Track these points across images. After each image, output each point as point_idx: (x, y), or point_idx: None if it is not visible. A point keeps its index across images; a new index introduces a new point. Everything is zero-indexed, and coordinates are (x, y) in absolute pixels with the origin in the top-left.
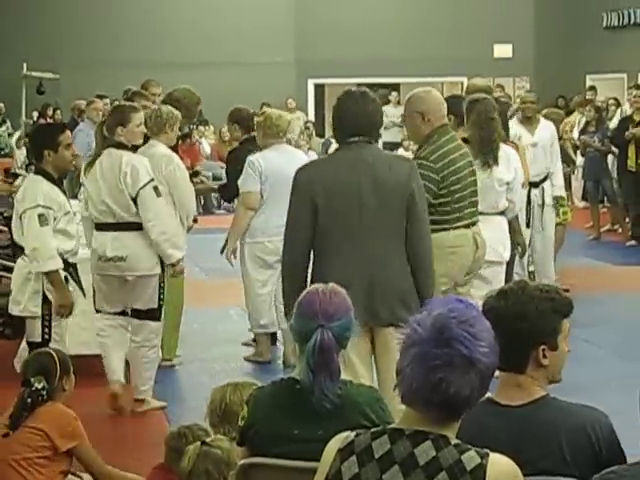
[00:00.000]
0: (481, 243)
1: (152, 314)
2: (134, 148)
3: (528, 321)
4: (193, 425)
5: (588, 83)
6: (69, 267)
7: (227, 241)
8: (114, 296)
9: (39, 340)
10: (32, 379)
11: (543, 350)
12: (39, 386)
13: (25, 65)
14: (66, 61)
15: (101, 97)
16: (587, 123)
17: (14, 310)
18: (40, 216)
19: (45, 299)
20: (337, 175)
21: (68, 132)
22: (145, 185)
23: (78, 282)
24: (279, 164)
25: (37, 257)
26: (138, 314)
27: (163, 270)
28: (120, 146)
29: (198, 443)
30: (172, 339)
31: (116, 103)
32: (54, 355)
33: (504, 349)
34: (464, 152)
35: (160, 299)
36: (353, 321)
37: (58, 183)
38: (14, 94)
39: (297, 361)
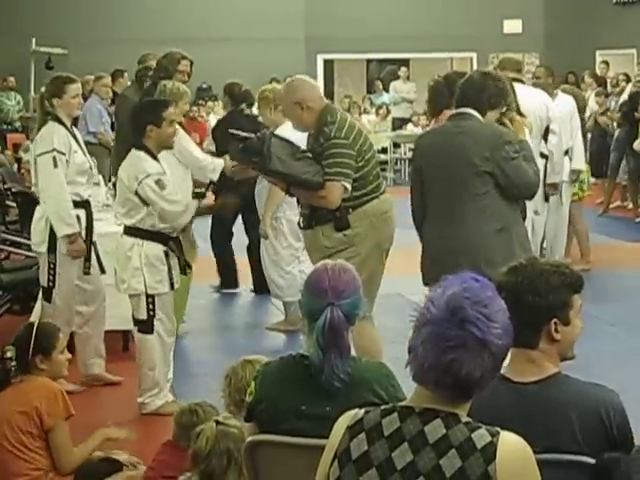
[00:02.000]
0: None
1: (44, 293)
2: None
3: (539, 295)
4: (202, 402)
5: (598, 59)
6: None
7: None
8: None
9: (144, 317)
10: (5, 347)
11: (555, 324)
12: (7, 355)
13: (34, 40)
14: (75, 37)
15: (121, 72)
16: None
17: (120, 290)
18: (158, 181)
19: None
20: (432, 142)
21: (172, 108)
22: (43, 153)
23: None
24: (296, 140)
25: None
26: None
27: (54, 252)
28: (57, 120)
29: (213, 423)
30: (179, 311)
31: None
32: (33, 329)
33: (515, 324)
34: (359, 124)
35: (50, 280)
36: (362, 298)
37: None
38: (23, 69)
39: (306, 338)
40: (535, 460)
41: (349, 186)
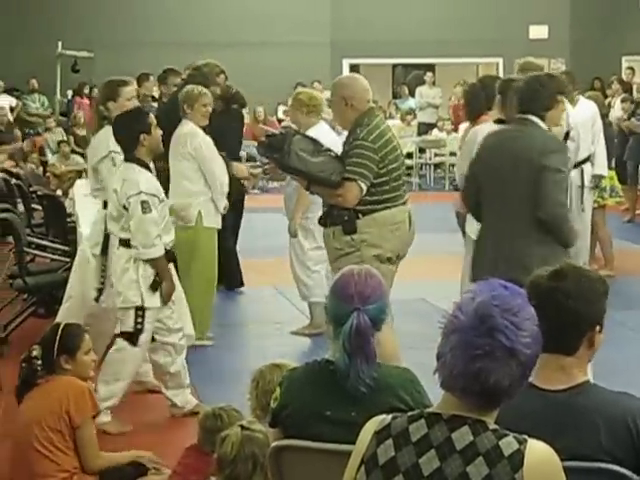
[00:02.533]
0: (413, 221)
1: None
2: None
3: (587, 301)
4: (227, 406)
5: (624, 64)
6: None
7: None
8: None
9: (131, 330)
10: (32, 346)
11: (599, 331)
12: (33, 354)
13: (60, 43)
14: (101, 40)
15: (147, 75)
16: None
17: (117, 303)
18: (143, 203)
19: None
20: (491, 145)
21: (151, 114)
22: (103, 158)
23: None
24: (328, 143)
25: (142, 244)
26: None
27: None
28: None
29: (238, 428)
30: (203, 318)
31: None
32: (58, 329)
33: (556, 330)
34: (393, 134)
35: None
36: (388, 303)
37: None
38: (49, 72)
39: (331, 343)
40: (562, 468)
41: (365, 188)
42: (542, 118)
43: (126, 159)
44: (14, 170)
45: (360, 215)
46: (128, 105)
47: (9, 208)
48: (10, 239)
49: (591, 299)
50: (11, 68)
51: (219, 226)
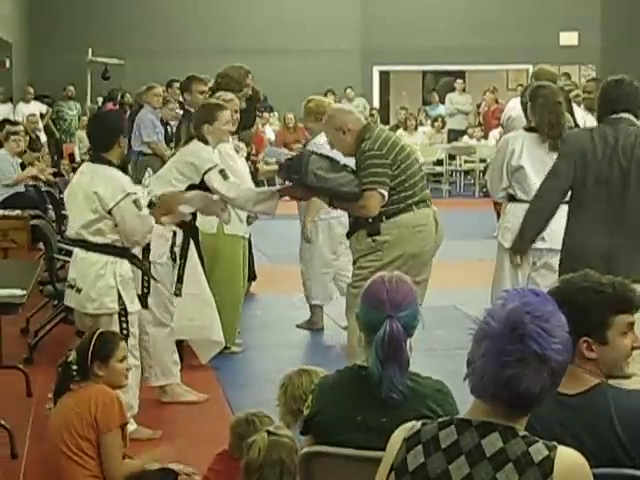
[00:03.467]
0: (440, 224)
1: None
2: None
3: (574, 311)
4: (258, 412)
5: None
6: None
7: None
8: None
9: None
10: (68, 352)
11: (587, 342)
12: (69, 359)
13: (90, 50)
14: (131, 47)
15: (175, 81)
16: None
17: (88, 309)
18: (135, 202)
19: (119, 294)
20: (594, 142)
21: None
22: (209, 169)
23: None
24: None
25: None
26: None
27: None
28: (202, 140)
29: (264, 433)
30: (232, 324)
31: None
32: (94, 336)
33: None
34: (398, 137)
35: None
36: (419, 309)
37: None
38: (80, 80)
39: (363, 350)
40: (592, 475)
41: (386, 193)
42: (637, 117)
43: (95, 159)
44: (44, 177)
45: (384, 218)
46: (224, 130)
47: (40, 215)
48: (41, 245)
49: (577, 309)
50: (42, 75)
51: (243, 234)
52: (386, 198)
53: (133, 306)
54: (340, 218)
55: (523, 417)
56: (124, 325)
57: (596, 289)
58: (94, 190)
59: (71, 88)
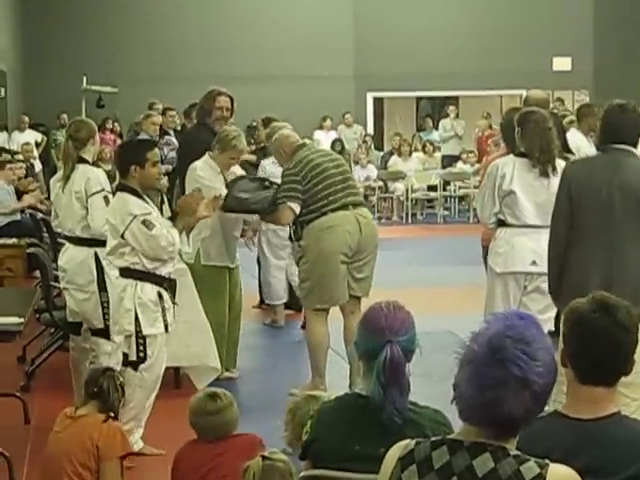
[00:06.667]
0: (365, 223)
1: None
2: None
3: (632, 333)
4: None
5: None
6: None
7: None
8: None
9: (135, 359)
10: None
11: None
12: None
13: (85, 79)
14: (125, 75)
15: (170, 109)
16: None
17: (113, 331)
18: (144, 222)
19: (136, 317)
20: (590, 173)
21: (157, 149)
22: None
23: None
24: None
25: (168, 253)
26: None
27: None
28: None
29: (259, 458)
30: (230, 350)
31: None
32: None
33: (600, 362)
34: (326, 153)
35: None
36: (416, 335)
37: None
38: (74, 107)
39: (362, 378)
40: None
41: (294, 205)
42: (636, 145)
43: (119, 186)
44: (40, 206)
45: (304, 224)
46: (232, 163)
47: (36, 243)
48: (37, 273)
49: (634, 330)
50: (37, 104)
51: (226, 264)
52: (296, 209)
53: (152, 329)
54: (277, 230)
55: (512, 438)
56: (141, 348)
57: (630, 307)
58: (107, 218)
59: (64, 116)
